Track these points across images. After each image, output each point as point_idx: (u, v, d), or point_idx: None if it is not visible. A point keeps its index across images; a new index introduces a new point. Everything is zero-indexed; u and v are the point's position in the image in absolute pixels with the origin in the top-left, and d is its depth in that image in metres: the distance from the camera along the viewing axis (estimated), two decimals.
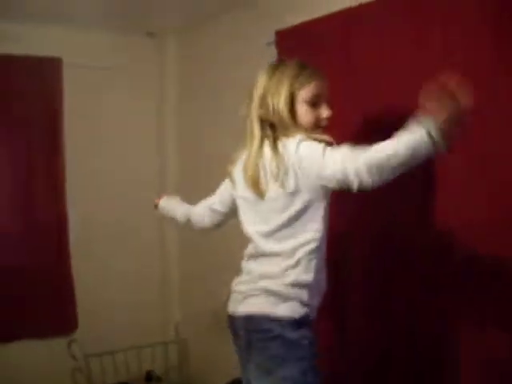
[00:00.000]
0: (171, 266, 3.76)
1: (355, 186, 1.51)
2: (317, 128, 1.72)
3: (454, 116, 1.39)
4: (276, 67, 1.77)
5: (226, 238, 3.19)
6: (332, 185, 1.60)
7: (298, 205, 1.66)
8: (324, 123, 1.74)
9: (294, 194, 1.65)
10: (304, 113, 1.71)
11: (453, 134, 1.40)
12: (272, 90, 1.72)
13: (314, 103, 1.72)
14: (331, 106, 1.75)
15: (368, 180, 1.48)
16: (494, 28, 1.75)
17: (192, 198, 3.51)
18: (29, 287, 3.22)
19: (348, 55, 2.22)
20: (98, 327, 3.37)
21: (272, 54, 2.56)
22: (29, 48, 3.14)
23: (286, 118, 1.70)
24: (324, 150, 1.59)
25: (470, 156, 1.82)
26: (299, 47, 2.38)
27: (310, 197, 1.66)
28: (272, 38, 2.61)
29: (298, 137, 1.66)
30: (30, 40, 3.16)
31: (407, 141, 1.43)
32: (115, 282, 3.53)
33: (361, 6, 2.17)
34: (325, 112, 1.73)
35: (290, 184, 1.65)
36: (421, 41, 1.96)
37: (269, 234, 1.73)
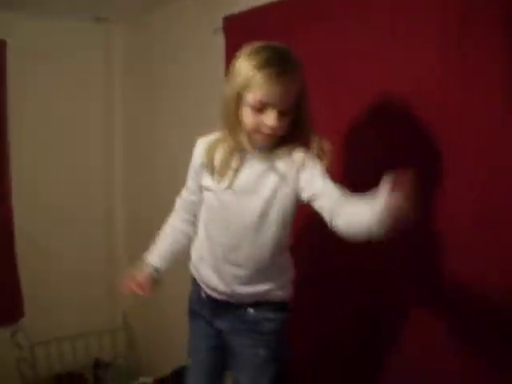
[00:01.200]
0: (119, 252, 3.74)
1: None
2: (257, 133, 1.63)
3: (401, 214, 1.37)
4: (249, 53, 1.62)
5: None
6: None
7: None
8: (266, 131, 1.61)
9: None
10: (246, 114, 1.62)
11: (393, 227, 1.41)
12: (229, 77, 1.66)
13: (259, 109, 1.58)
14: (286, 115, 1.61)
15: None
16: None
17: (137, 182, 3.54)
18: None
19: (294, 42, 2.23)
20: (44, 315, 3.33)
21: (220, 40, 2.58)
22: None
23: (231, 113, 1.64)
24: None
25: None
26: (247, 34, 2.38)
27: None
28: (219, 24, 2.62)
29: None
30: None
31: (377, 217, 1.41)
32: (62, 270, 3.50)
33: None
34: (269, 121, 1.58)
35: None
36: (368, 26, 1.95)
37: None
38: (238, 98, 1.60)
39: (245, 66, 1.59)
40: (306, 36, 2.17)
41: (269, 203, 1.68)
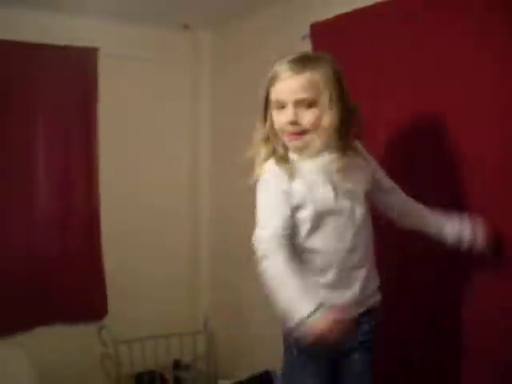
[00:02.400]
0: (202, 260, 3.79)
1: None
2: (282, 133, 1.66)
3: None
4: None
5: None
6: None
7: None
8: (288, 129, 1.64)
9: None
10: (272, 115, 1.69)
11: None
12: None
13: (280, 106, 1.65)
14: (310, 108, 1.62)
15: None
16: None
17: (221, 197, 3.56)
18: (60, 273, 3.27)
19: (380, 51, 2.20)
20: (127, 315, 3.41)
21: (307, 47, 2.56)
22: (67, 38, 3.18)
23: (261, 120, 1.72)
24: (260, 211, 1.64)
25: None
26: (334, 40, 2.37)
27: None
28: (307, 31, 2.60)
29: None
30: (68, 30, 3.20)
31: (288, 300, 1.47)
32: (146, 272, 3.58)
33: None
34: (288, 115, 1.62)
35: None
36: (455, 40, 1.93)
37: None
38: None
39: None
40: (391, 45, 2.16)
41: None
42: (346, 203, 1.66)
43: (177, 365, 3.58)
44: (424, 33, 2.04)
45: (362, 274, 1.71)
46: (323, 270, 1.67)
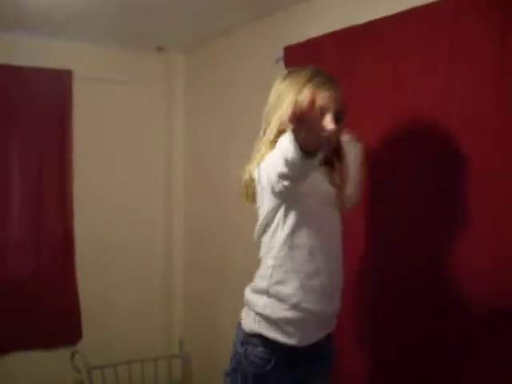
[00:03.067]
0: (176, 283, 3.75)
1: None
2: None
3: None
4: (290, 73, 1.76)
5: (229, 254, 3.21)
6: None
7: None
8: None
9: None
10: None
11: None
12: (282, 97, 1.69)
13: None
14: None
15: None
16: None
17: (196, 215, 3.55)
18: (34, 297, 3.23)
19: (354, 72, 2.23)
20: (101, 340, 3.39)
21: (281, 70, 2.57)
22: (41, 60, 3.18)
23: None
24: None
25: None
26: (306, 63, 2.38)
27: None
28: (281, 54, 2.62)
29: None
30: (42, 52, 3.21)
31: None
32: (120, 295, 3.55)
33: (364, 24, 2.19)
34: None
35: None
36: (425, 56, 1.98)
37: None
38: None
39: (296, 79, 1.69)
40: (365, 66, 2.21)
41: None
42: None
43: None
44: (398, 57, 2.07)
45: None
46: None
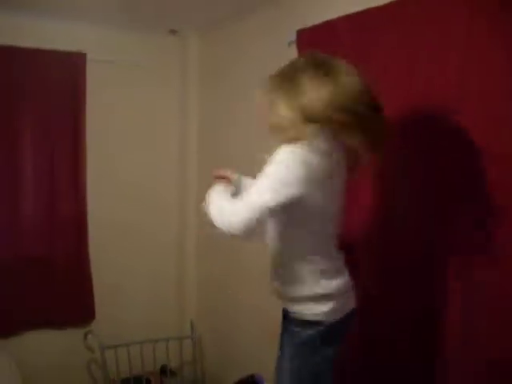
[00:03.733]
0: (188, 264, 3.78)
1: None
2: None
3: None
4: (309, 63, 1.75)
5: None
6: None
7: None
8: None
9: None
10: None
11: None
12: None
13: None
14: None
15: None
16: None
17: None
18: (47, 278, 3.27)
19: (366, 56, 2.23)
20: (114, 320, 3.43)
21: (293, 53, 2.57)
22: (55, 43, 3.19)
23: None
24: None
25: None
26: (320, 47, 2.39)
27: None
28: (293, 37, 2.62)
29: None
30: (56, 35, 3.22)
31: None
32: (133, 277, 3.60)
33: (380, 7, 2.18)
34: None
35: None
36: (439, 43, 1.96)
37: None
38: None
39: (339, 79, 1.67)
40: (376, 50, 2.20)
41: None
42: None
43: (163, 370, 3.57)
44: (411, 37, 2.06)
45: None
46: None
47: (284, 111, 1.69)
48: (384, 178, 2.18)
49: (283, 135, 1.69)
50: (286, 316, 1.90)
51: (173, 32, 3.60)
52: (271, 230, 1.84)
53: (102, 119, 3.41)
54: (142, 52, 3.52)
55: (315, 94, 1.65)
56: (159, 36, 3.58)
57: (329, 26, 2.42)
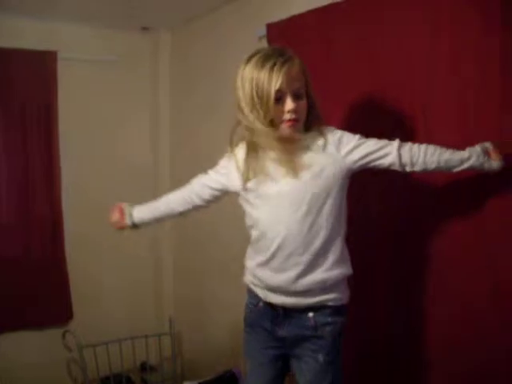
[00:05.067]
0: (165, 261, 3.79)
1: None
2: (283, 123, 1.70)
3: None
4: (249, 58, 1.72)
5: (217, 233, 3.25)
6: None
7: None
8: (289, 117, 1.69)
9: None
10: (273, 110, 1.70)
11: None
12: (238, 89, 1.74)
13: (277, 100, 1.66)
14: (301, 99, 1.70)
15: None
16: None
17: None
18: (24, 278, 3.25)
19: (336, 48, 2.25)
20: (91, 318, 3.42)
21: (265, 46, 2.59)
22: (25, 42, 3.16)
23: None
24: None
25: None
26: (289, 40, 2.40)
27: None
28: (263, 31, 2.63)
29: None
30: (26, 34, 3.19)
31: None
32: (110, 275, 3.58)
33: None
34: (289, 105, 1.68)
35: None
36: (404, 33, 2.00)
37: None
38: (255, 101, 1.66)
39: (249, 71, 1.67)
40: (346, 43, 2.23)
41: (313, 186, 1.71)
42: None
43: (143, 367, 3.57)
44: (378, 32, 2.09)
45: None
46: None
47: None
48: None
49: None
50: (303, 320, 1.80)
51: (145, 29, 3.60)
52: (305, 212, 1.71)
53: (75, 117, 3.39)
54: (115, 49, 3.50)
55: None
56: (132, 33, 3.58)
57: (297, 20, 2.44)
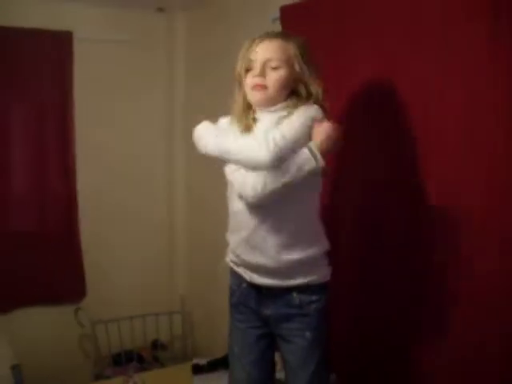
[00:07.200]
0: (178, 240, 3.83)
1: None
2: (253, 90, 1.84)
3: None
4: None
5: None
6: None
7: None
8: (255, 82, 1.81)
9: None
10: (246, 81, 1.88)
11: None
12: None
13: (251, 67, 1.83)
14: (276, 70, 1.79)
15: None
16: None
17: (198, 174, 3.59)
18: (38, 254, 3.30)
19: (348, 32, 2.24)
20: (104, 296, 3.46)
21: (277, 30, 2.59)
22: (40, 22, 3.19)
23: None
24: None
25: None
26: (303, 23, 2.40)
27: None
28: (277, 14, 2.63)
29: None
30: (41, 14, 3.20)
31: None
32: (123, 253, 3.62)
33: None
34: (255, 72, 1.81)
35: None
36: (417, 18, 1.97)
37: None
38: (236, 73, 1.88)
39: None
40: (359, 27, 2.20)
41: None
42: None
43: (155, 345, 3.63)
44: (394, 17, 2.07)
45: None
46: None
47: None
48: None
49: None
50: (290, 301, 1.85)
51: (160, 10, 3.60)
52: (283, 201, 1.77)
53: (90, 97, 3.41)
54: (130, 30, 3.50)
55: None
56: (147, 13, 3.58)
57: (310, 3, 2.43)
